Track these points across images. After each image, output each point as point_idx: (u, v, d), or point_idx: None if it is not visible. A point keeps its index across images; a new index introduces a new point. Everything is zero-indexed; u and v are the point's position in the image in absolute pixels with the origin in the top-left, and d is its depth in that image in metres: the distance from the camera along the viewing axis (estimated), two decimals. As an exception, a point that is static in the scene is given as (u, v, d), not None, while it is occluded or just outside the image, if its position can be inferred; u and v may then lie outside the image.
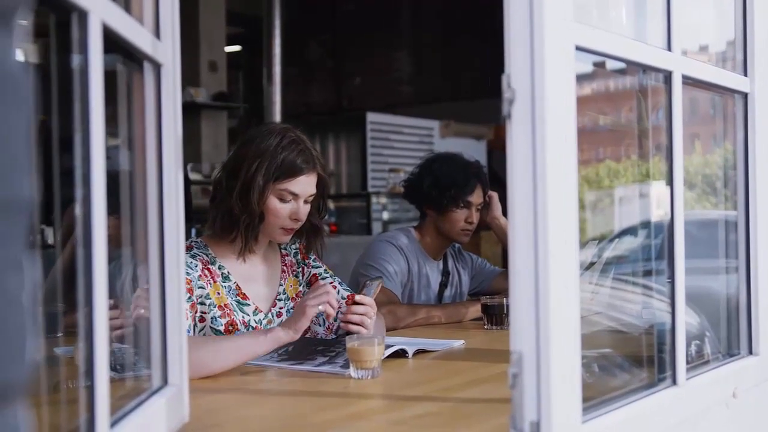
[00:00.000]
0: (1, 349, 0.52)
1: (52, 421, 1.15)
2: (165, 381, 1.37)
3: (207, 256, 2.24)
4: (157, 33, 1.36)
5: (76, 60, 1.02)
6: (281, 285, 2.37)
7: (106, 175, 1.04)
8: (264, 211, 2.21)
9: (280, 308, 2.34)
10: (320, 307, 2.00)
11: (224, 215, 2.23)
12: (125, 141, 1.37)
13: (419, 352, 2.19)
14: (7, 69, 0.52)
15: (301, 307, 2.02)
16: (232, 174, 2.22)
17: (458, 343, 2.37)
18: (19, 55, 0.54)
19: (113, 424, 1.09)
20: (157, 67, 1.36)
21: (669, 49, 1.52)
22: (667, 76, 1.53)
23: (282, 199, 2.22)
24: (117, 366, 1.36)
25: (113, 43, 1.12)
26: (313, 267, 2.45)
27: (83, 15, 1.00)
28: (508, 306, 2.66)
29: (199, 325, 2.15)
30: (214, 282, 2.21)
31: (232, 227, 2.23)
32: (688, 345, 1.62)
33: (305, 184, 2.23)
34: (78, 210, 1.01)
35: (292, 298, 2.38)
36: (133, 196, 1.37)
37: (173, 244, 1.39)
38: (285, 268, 2.41)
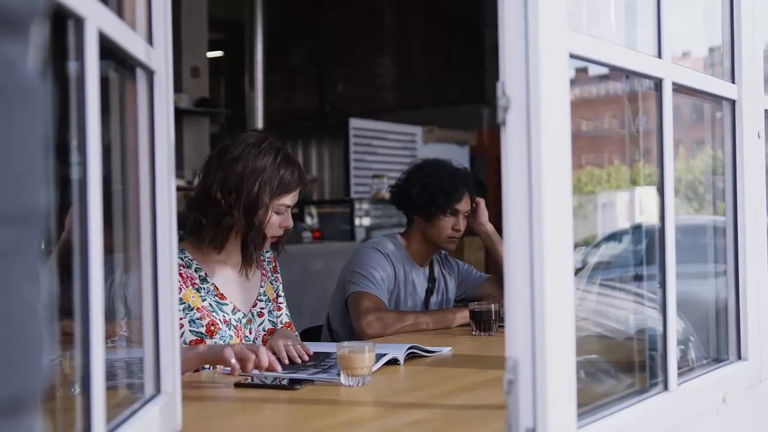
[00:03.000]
0: (20, 359, 0.52)
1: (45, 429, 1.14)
2: (158, 389, 1.37)
3: (182, 259, 2.27)
4: (149, 40, 1.35)
5: (71, 66, 1.01)
6: (262, 287, 2.45)
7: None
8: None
9: (261, 308, 2.42)
10: (233, 361, 1.92)
11: (224, 231, 2.27)
12: (117, 148, 1.36)
13: (411, 357, 2.19)
14: (23, 79, 0.52)
15: (226, 349, 1.97)
16: (229, 190, 2.25)
17: (446, 350, 2.37)
18: (34, 65, 0.54)
19: (109, 433, 1.08)
20: (150, 74, 1.35)
21: (659, 56, 1.53)
22: (658, 83, 1.54)
23: (278, 213, 2.31)
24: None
25: (106, 49, 1.12)
26: (279, 282, 2.54)
27: (80, 22, 1.00)
28: (496, 312, 2.67)
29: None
30: (187, 287, 2.25)
31: (226, 241, 2.30)
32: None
33: (296, 196, 2.36)
34: (75, 217, 1.00)
35: (272, 300, 2.46)
36: (125, 203, 1.36)
37: (166, 251, 1.38)
38: (264, 271, 2.48)
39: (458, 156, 7.26)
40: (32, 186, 0.53)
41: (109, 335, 1.42)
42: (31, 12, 0.53)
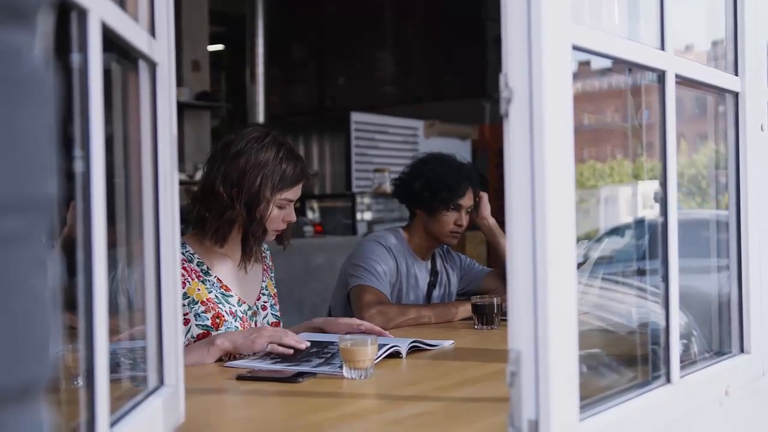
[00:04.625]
0: (27, 347, 0.52)
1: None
2: (161, 381, 1.37)
3: (183, 254, 2.27)
4: (152, 31, 1.35)
5: (74, 58, 1.01)
6: (263, 281, 2.47)
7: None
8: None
9: (264, 302, 2.44)
10: (269, 347, 2.09)
11: (226, 225, 2.28)
12: (119, 140, 1.35)
13: (413, 350, 2.20)
14: (30, 68, 0.52)
15: (256, 334, 2.11)
16: (231, 184, 2.26)
17: (448, 343, 2.37)
18: (41, 53, 0.54)
19: (112, 424, 1.08)
20: (152, 66, 1.35)
21: (662, 48, 1.53)
22: (661, 76, 1.54)
23: (281, 207, 2.32)
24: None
25: (109, 41, 1.11)
26: (274, 281, 2.56)
27: (83, 13, 0.99)
28: (498, 305, 2.67)
29: (183, 329, 2.17)
30: (193, 279, 2.26)
31: (228, 235, 2.31)
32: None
33: (299, 190, 2.35)
34: (78, 210, 1.00)
35: (273, 295, 2.49)
36: (127, 196, 1.36)
37: (169, 244, 1.38)
38: (265, 266, 2.50)
39: (460, 150, 7.26)
40: (40, 175, 0.53)
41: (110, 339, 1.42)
42: (38, 1, 0.53)
